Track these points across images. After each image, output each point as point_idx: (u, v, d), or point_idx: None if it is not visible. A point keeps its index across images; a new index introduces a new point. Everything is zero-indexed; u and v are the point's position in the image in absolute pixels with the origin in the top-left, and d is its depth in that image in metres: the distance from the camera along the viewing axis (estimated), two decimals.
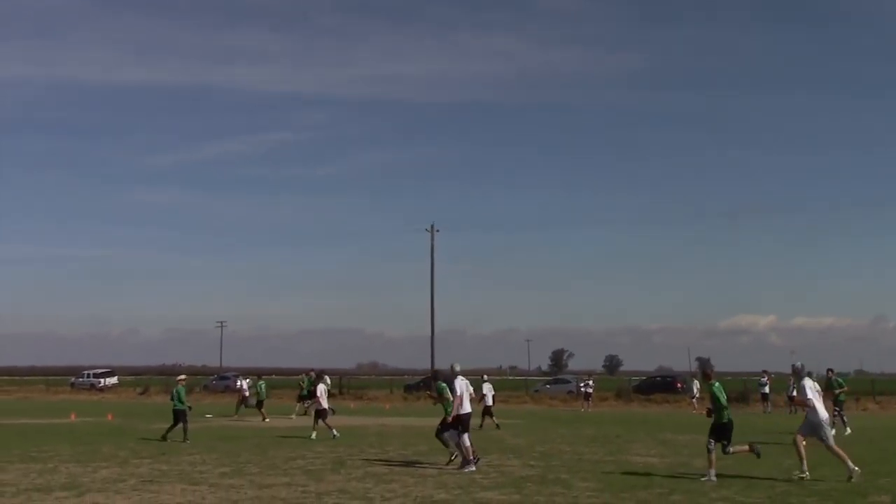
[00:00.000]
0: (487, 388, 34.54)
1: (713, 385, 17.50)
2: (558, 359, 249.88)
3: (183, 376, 28.75)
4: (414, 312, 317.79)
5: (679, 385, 63.99)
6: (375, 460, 20.57)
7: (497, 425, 33.02)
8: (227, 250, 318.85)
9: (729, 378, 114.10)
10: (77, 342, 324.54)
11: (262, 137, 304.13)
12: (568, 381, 74.94)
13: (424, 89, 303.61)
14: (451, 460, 19.55)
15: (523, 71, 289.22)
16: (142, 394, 74.17)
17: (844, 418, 30.46)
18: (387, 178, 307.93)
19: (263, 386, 40.28)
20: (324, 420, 27.46)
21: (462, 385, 19.22)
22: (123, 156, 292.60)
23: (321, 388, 28.89)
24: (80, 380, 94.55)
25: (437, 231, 77.81)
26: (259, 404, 39.05)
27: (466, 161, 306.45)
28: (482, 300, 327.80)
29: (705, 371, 18.93)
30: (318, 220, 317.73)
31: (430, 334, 77.04)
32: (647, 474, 17.96)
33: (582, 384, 58.63)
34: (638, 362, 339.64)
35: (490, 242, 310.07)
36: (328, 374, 40.80)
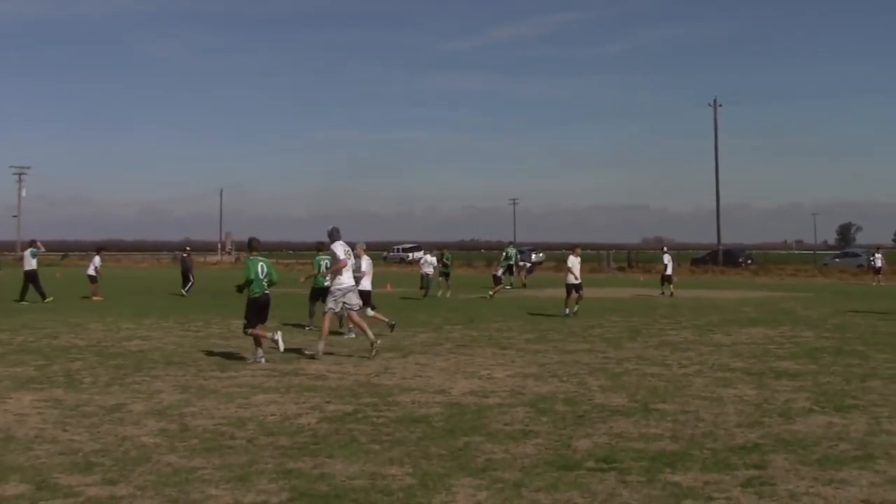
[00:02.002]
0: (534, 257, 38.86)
1: (249, 259, 15.16)
2: (845, 233, 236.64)
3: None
4: (698, 188, 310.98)
5: None
6: (670, 330, 20.54)
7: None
8: (519, 130, 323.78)
9: None
10: (386, 219, 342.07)
11: (551, 18, 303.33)
12: (858, 255, 71.00)
13: None
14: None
15: None
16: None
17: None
18: (672, 54, 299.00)
19: (450, 258, 38.80)
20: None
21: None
22: (424, 42, 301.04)
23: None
24: (392, 254, 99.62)
25: (721, 105, 75.12)
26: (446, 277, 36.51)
27: (750, 33, 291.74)
28: (767, 174, 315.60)
29: (251, 244, 15.36)
30: (605, 97, 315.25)
31: (714, 209, 75.11)
32: None
33: (871, 257, 55.48)
34: None
35: (775, 115, 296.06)
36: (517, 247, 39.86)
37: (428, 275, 33.33)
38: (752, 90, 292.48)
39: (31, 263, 29.81)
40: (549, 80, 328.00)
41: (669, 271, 36.40)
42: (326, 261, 19.25)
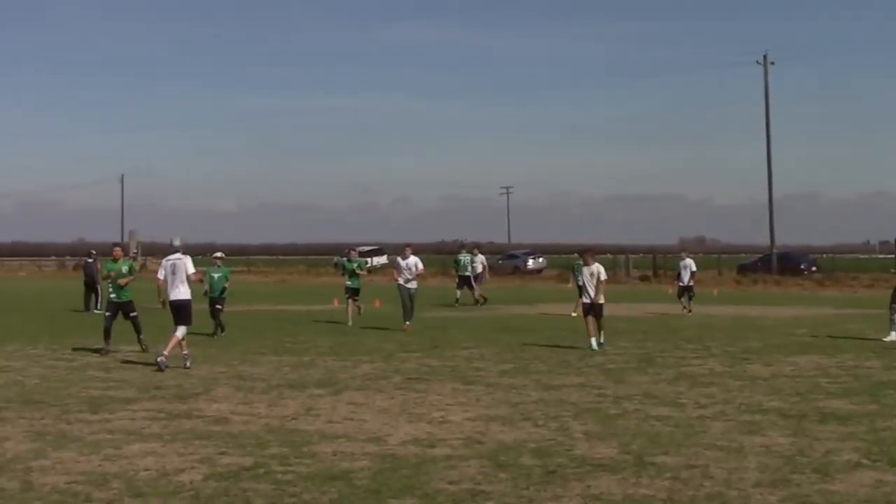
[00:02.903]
0: (479, 260, 41.53)
1: None
2: None
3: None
4: (750, 173, 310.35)
5: None
6: (693, 358, 20.61)
7: (478, 300, 39.57)
8: (510, 98, 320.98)
9: None
10: (340, 214, 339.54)
11: None
12: None
13: None
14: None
15: None
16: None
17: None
18: None
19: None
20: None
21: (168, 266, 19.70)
22: None
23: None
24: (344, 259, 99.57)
25: (772, 63, 75.08)
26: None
27: None
28: (841, 155, 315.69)
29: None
30: (619, 52, 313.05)
31: (767, 201, 75.26)
32: None
33: None
34: None
35: (848, 78, 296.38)
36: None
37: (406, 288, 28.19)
38: (818, 45, 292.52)
39: None
40: (548, 30, 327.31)
41: (688, 281, 36.60)
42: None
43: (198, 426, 12.76)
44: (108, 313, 21.99)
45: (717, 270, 73.07)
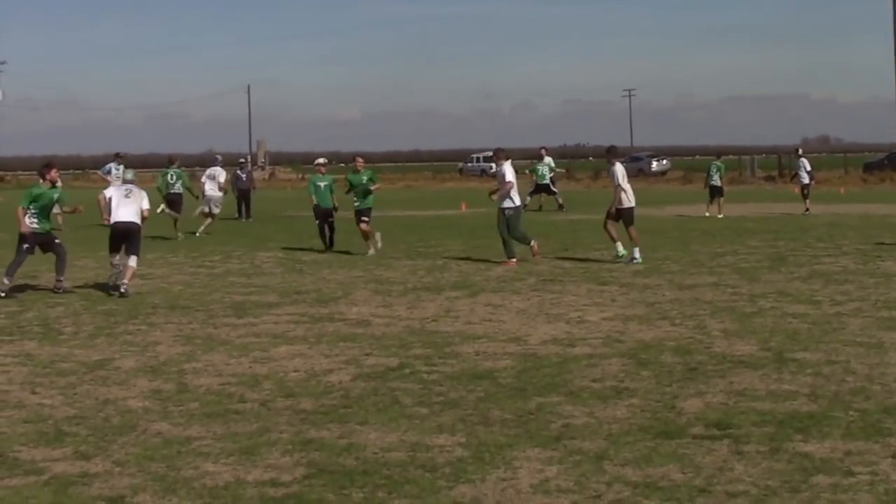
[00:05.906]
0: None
1: None
2: None
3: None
4: (876, 70, 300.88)
5: None
6: (825, 256, 20.27)
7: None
8: (632, 2, 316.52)
9: None
10: (464, 120, 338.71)
11: None
12: None
13: None
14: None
15: None
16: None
17: None
18: None
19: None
20: None
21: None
22: None
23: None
24: (470, 165, 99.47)
25: None
26: None
27: None
28: None
29: None
30: None
31: (892, 99, 73.25)
32: None
33: None
34: None
35: None
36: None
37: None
38: None
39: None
40: None
41: (806, 180, 35.90)
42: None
43: (341, 329, 12.93)
44: (26, 245, 16.93)
45: (843, 169, 71.77)
